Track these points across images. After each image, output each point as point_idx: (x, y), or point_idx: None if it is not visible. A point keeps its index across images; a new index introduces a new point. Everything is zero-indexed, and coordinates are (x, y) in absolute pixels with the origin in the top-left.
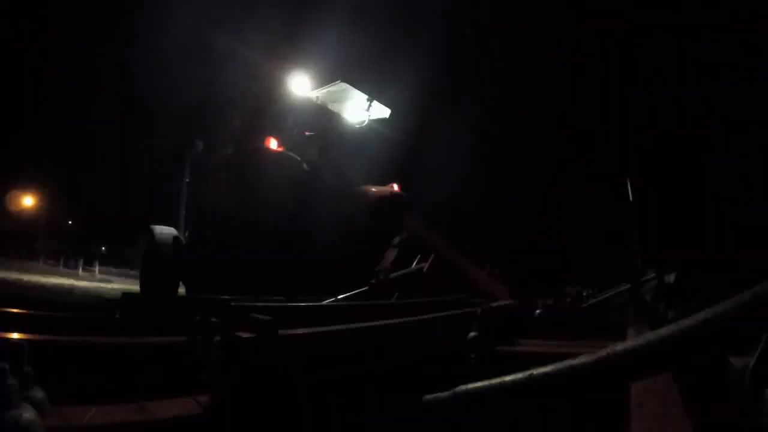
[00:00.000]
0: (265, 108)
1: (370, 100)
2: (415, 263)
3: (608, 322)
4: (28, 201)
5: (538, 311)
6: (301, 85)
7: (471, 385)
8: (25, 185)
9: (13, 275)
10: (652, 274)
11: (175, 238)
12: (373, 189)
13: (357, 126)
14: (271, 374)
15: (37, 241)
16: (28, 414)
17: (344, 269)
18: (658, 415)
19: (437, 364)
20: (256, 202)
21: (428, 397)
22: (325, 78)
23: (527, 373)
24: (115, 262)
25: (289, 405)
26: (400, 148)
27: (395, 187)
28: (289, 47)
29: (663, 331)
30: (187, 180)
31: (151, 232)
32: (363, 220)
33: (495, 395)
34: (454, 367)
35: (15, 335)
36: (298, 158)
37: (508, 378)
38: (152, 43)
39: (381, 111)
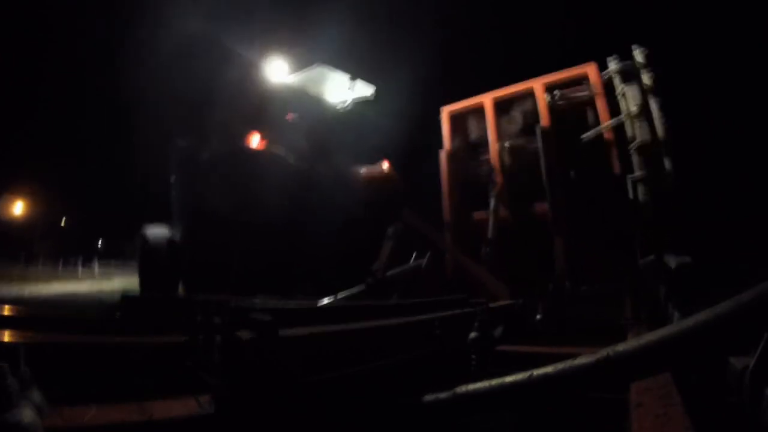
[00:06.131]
0: (244, 100)
1: (353, 80)
2: (412, 259)
3: (608, 321)
4: (19, 206)
5: (538, 316)
6: (277, 71)
7: (471, 385)
8: (15, 190)
9: (14, 287)
10: (652, 257)
11: (169, 239)
12: (363, 170)
13: (341, 106)
14: (272, 374)
15: (34, 245)
16: (28, 414)
17: (341, 262)
18: (658, 415)
19: (437, 364)
20: (244, 202)
21: (428, 397)
22: (302, 62)
23: (527, 373)
24: (114, 254)
25: (289, 405)
26: (387, 123)
27: (385, 165)
28: (262, 33)
29: (663, 331)
30: (173, 179)
31: (144, 236)
32: (356, 209)
33: (495, 395)
34: (454, 367)
35: (13, 336)
36: (283, 153)
37: (508, 378)
38: (127, 37)
39: (365, 89)
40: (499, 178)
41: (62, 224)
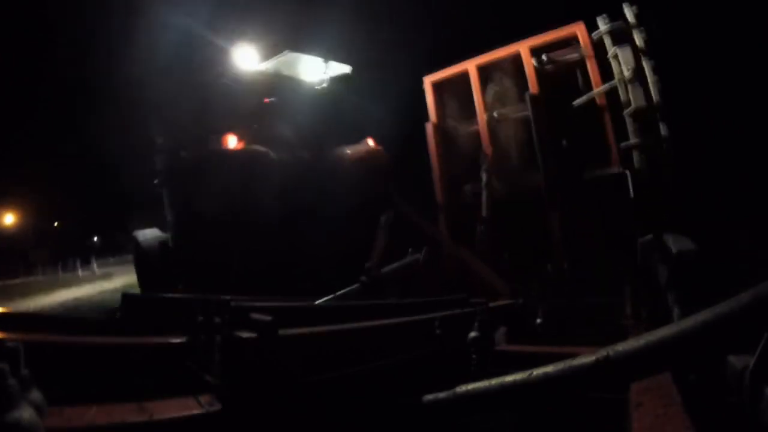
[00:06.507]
0: (220, 94)
1: (326, 62)
2: (409, 255)
3: (608, 322)
4: (9, 217)
5: (539, 320)
6: (248, 59)
7: (471, 385)
8: (3, 201)
9: (16, 302)
10: (650, 237)
11: (161, 243)
12: (348, 151)
13: (317, 87)
14: (272, 374)
15: (30, 254)
16: (28, 414)
17: (340, 256)
18: (658, 415)
19: (437, 364)
20: (231, 203)
21: (428, 397)
22: (272, 50)
23: (527, 373)
24: (111, 250)
25: (289, 404)
26: (368, 99)
27: (370, 142)
28: (228, 22)
29: (663, 331)
30: (157, 180)
31: (136, 240)
32: (348, 194)
33: (495, 395)
34: (454, 367)
35: (13, 336)
36: (264, 149)
37: (508, 378)
38: (107, 34)
39: (341, 68)
40: (489, 151)
41: (55, 227)
